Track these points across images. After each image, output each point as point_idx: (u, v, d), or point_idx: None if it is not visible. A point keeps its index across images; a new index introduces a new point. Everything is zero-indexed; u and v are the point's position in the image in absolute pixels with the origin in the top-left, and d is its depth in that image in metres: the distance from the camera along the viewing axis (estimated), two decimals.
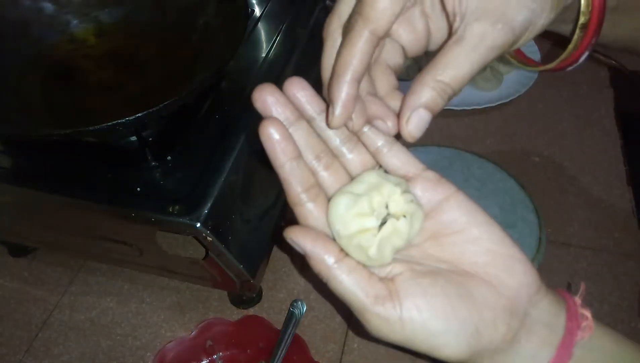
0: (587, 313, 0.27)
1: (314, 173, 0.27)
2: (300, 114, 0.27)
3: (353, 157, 0.28)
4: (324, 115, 0.27)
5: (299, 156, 0.26)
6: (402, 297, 0.25)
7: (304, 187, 0.26)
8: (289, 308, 0.49)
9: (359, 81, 0.25)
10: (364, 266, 0.26)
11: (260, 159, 0.47)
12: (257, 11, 0.57)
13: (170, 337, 0.51)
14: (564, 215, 0.58)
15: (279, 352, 0.46)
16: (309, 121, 0.27)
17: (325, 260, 0.25)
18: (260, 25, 0.56)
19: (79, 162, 0.44)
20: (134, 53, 0.51)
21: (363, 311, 0.25)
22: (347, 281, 0.25)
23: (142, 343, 0.51)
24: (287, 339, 0.47)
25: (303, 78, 0.27)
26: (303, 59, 0.54)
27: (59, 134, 0.37)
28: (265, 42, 0.53)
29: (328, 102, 0.26)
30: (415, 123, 0.25)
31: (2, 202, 0.47)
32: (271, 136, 0.25)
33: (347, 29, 0.25)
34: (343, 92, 0.25)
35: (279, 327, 0.48)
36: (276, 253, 0.56)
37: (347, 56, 0.25)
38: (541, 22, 0.25)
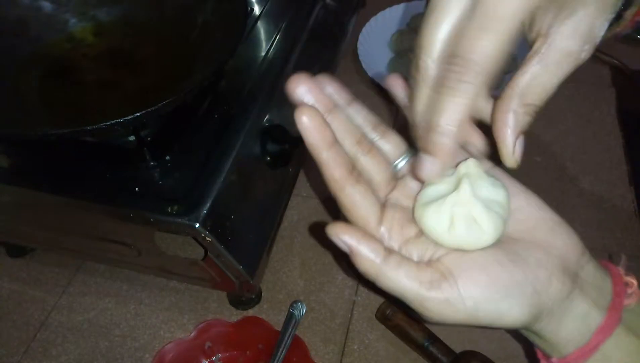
0: (633, 280, 0.28)
1: (354, 159, 0.28)
2: (335, 103, 0.28)
3: (384, 142, 0.30)
4: (353, 105, 0.29)
5: (335, 142, 0.27)
6: (456, 274, 0.25)
7: (345, 171, 0.27)
8: (289, 309, 0.49)
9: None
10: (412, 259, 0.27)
11: (259, 159, 0.46)
12: (257, 10, 0.57)
13: (169, 338, 0.51)
14: (566, 215, 0.57)
15: (279, 353, 0.46)
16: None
17: (372, 257, 0.25)
18: (259, 24, 0.55)
19: (77, 161, 0.43)
20: (132, 52, 0.51)
21: (420, 300, 0.25)
22: (397, 275, 0.25)
23: (140, 344, 0.51)
24: (287, 340, 0.46)
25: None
26: (303, 58, 0.53)
27: (57, 134, 0.37)
28: (265, 41, 0.53)
29: (421, 148, 0.26)
30: (520, 150, 0.26)
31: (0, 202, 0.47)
32: (308, 123, 0.25)
33: (449, 79, 0.24)
34: (447, 146, 0.25)
35: (279, 328, 0.48)
36: (276, 253, 0.56)
37: (456, 113, 0.24)
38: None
